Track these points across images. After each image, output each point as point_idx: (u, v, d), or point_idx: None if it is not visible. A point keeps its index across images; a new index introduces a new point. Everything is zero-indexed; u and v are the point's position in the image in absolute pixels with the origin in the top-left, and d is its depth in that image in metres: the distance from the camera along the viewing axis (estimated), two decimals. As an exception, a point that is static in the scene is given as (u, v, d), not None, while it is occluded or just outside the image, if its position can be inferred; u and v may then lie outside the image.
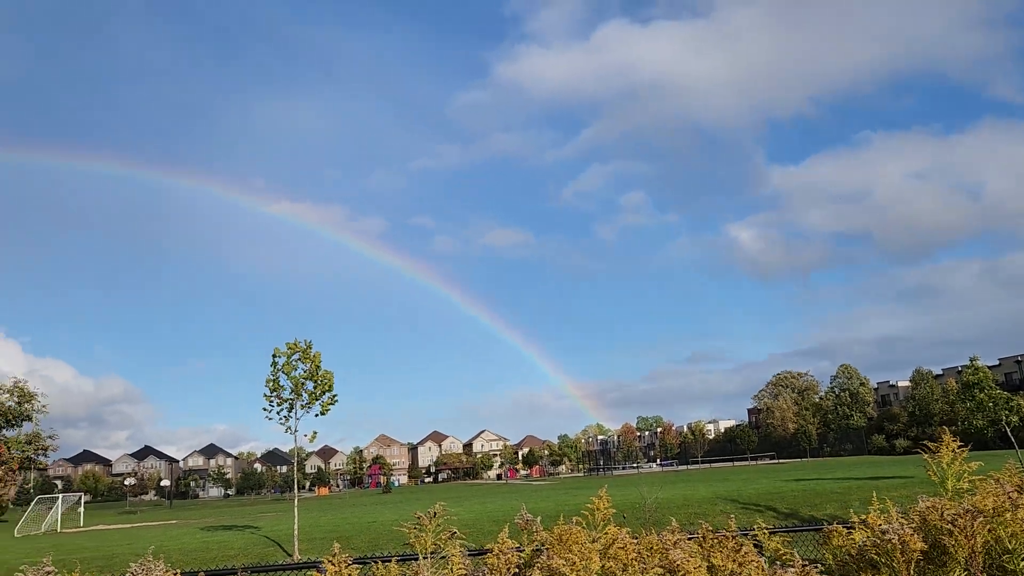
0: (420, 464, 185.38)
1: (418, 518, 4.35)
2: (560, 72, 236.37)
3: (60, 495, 68.12)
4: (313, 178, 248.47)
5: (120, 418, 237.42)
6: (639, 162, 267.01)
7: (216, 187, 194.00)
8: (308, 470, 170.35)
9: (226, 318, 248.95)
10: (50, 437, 16.96)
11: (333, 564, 3.81)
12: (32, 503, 64.04)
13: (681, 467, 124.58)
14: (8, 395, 15.80)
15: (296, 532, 27.56)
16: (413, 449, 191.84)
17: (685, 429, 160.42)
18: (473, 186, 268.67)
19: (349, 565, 3.82)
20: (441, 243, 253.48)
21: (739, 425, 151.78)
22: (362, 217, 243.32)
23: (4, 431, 16.05)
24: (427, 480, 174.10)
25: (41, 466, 21.41)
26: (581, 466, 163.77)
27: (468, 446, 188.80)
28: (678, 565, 4.42)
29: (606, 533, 4.63)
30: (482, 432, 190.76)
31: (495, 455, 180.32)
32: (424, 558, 4.20)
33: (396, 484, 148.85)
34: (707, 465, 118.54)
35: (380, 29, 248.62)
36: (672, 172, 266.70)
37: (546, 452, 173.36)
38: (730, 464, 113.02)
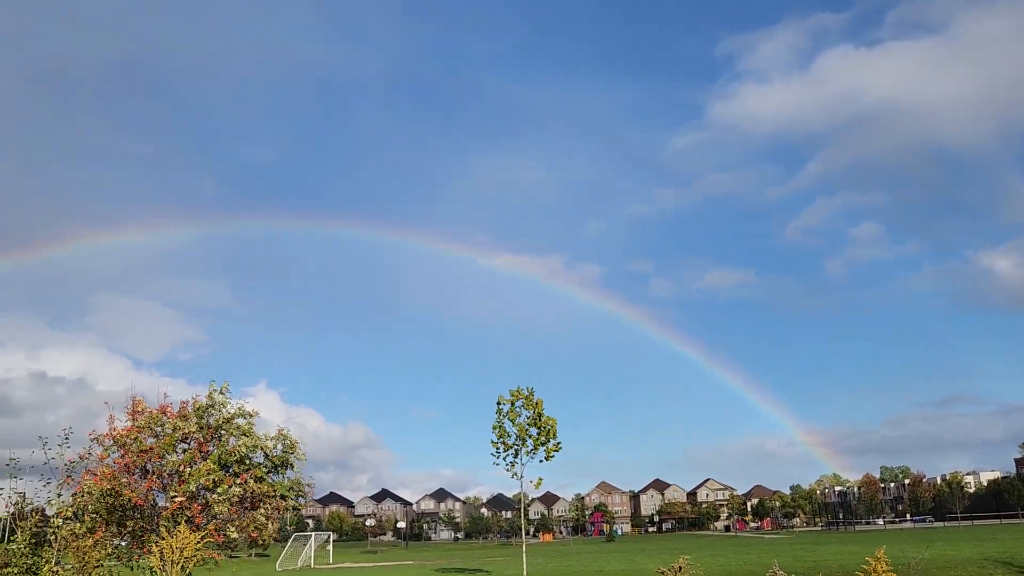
0: (642, 512, 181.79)
1: (661, 573, 4.32)
2: (779, 106, 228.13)
3: (312, 534, 74.26)
4: (532, 230, 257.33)
5: (361, 462, 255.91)
6: (870, 192, 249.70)
7: (444, 244, 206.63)
8: (531, 516, 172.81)
9: (453, 368, 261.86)
10: (308, 485, 18.91)
11: None
12: (290, 540, 70.34)
13: (937, 523, 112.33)
14: (274, 442, 17.83)
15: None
16: (635, 497, 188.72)
17: (939, 481, 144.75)
18: (690, 228, 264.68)
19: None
20: (658, 287, 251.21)
21: (1006, 477, 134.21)
22: (580, 265, 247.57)
23: (272, 476, 18.07)
24: (651, 529, 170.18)
25: (297, 506, 23.82)
26: (817, 519, 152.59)
27: (692, 495, 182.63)
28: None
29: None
30: (706, 481, 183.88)
31: (721, 505, 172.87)
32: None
33: (619, 532, 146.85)
34: (968, 522, 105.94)
35: (591, 81, 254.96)
36: (909, 199, 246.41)
37: (777, 503, 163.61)
38: (997, 521, 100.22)
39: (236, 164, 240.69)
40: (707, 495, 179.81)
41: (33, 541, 10.54)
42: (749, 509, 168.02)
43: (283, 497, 19.02)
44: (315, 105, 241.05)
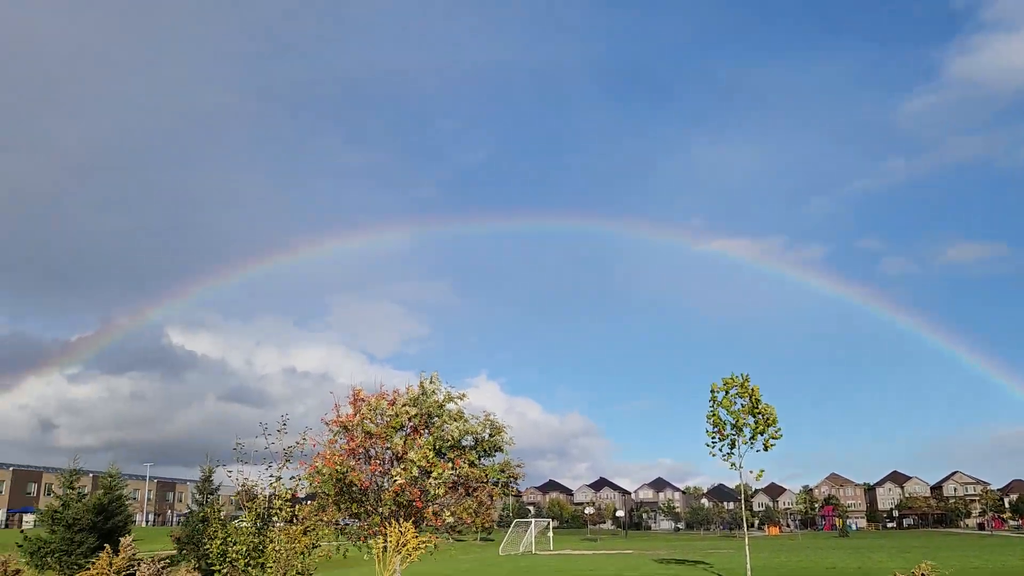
0: (879, 507, 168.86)
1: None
2: None
3: (532, 520, 76.20)
4: (750, 212, 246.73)
5: (580, 451, 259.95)
6: None
7: (658, 231, 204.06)
8: (755, 507, 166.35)
9: (670, 356, 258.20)
10: (518, 466, 19.23)
11: None
12: (511, 526, 72.64)
13: None
14: (481, 427, 18.43)
15: (749, 572, 26.71)
16: (870, 490, 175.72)
17: None
18: (927, 200, 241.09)
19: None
20: (891, 265, 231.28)
21: None
22: (801, 246, 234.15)
23: (483, 460, 18.66)
24: (889, 525, 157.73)
25: (515, 493, 24.56)
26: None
27: (936, 489, 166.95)
28: None
29: None
30: (954, 474, 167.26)
31: (972, 500, 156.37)
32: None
33: (853, 528, 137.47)
34: None
35: (811, 51, 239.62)
36: None
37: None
38: None
39: (453, 168, 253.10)
40: (955, 489, 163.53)
41: (259, 521, 11.47)
42: (1007, 506, 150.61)
43: (496, 482, 19.43)
44: (527, 104, 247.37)
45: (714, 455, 28.15)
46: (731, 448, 27.67)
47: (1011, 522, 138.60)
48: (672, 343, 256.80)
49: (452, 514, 18.56)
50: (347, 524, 18.76)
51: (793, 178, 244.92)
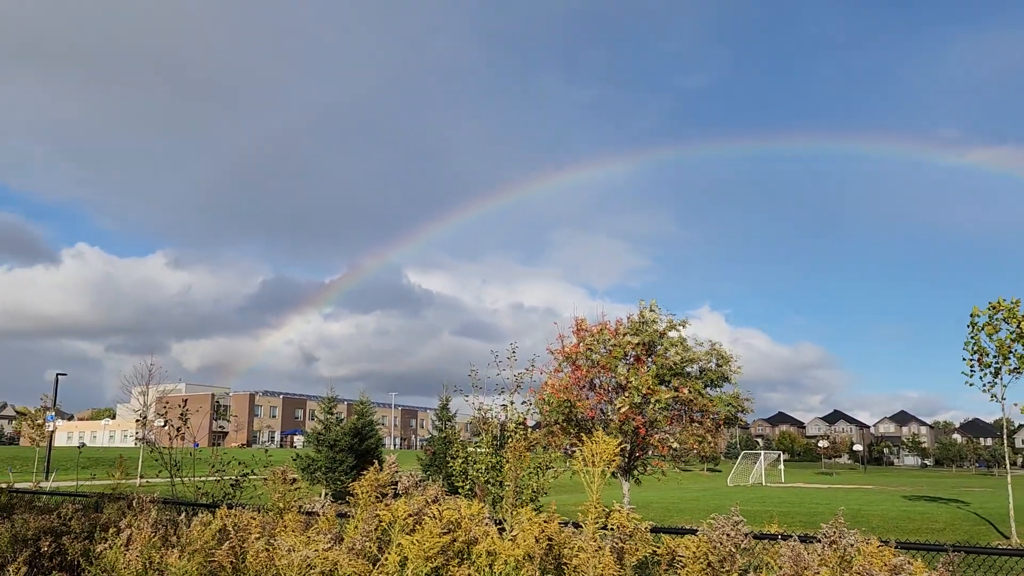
0: None
1: None
2: None
3: (762, 452, 74.49)
4: (1014, 114, 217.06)
5: (814, 383, 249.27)
6: None
7: (899, 145, 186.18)
8: (1018, 444, 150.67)
9: (918, 281, 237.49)
10: (747, 399, 18.69)
11: None
12: (739, 457, 71.50)
13: None
14: (708, 356, 18.01)
15: (1011, 512, 24.37)
16: None
17: None
18: None
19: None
20: None
21: None
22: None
23: (709, 390, 18.31)
24: None
25: (742, 424, 23.94)
26: None
27: None
28: None
29: None
30: None
31: None
32: None
33: None
34: None
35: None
36: None
37: None
38: None
39: (675, 94, 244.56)
40: None
41: (495, 443, 12.25)
42: None
43: (724, 410, 19.13)
44: (752, 17, 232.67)
45: (971, 384, 25.77)
46: (994, 377, 25.15)
47: None
48: (916, 266, 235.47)
49: (677, 440, 18.57)
50: (574, 451, 19.39)
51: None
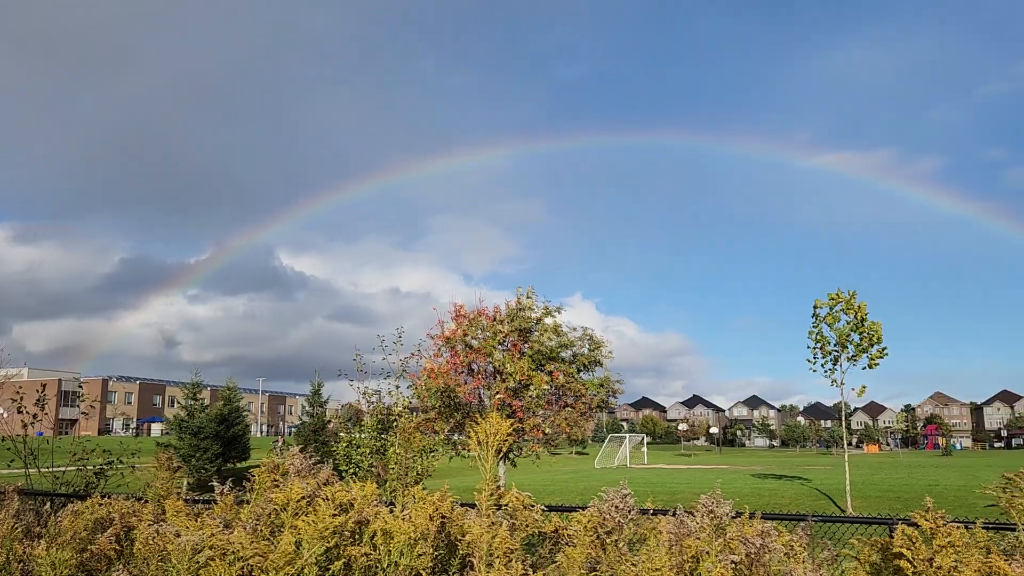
0: (986, 427, 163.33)
1: (1006, 479, 3.64)
2: None
3: (627, 435, 77.41)
4: (860, 124, 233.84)
5: (677, 369, 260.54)
6: None
7: (761, 146, 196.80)
8: (854, 426, 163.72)
9: (770, 274, 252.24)
10: (618, 381, 19.47)
11: (924, 519, 3.39)
12: (606, 440, 74.04)
13: None
14: (581, 342, 18.70)
15: (848, 488, 26.61)
16: (977, 410, 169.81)
17: None
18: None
19: (946, 525, 3.36)
20: (1015, 177, 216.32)
21: None
22: (915, 159, 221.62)
23: (582, 374, 19.00)
24: (997, 445, 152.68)
25: (611, 407, 24.93)
26: None
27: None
28: None
29: None
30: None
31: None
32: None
33: (957, 447, 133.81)
34: None
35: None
36: None
37: None
38: None
39: (554, 84, 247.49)
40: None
41: (379, 427, 12.30)
42: None
43: (595, 396, 19.84)
44: (632, 16, 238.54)
45: (814, 371, 27.86)
46: (833, 364, 27.24)
47: None
48: (772, 261, 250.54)
49: (550, 425, 19.13)
50: (451, 437, 19.62)
51: (910, 84, 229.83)
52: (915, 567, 3.29)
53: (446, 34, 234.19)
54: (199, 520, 5.06)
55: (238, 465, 43.72)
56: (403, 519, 4.92)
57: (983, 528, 3.74)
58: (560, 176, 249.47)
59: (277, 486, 5.25)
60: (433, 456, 11.42)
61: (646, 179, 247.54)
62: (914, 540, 3.39)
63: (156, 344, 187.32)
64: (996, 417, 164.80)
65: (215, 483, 5.61)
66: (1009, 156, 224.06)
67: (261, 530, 5.00)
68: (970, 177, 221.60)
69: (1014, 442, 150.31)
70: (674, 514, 4.27)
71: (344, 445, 12.39)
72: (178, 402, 50.39)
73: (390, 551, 4.82)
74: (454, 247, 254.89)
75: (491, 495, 4.70)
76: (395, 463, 10.41)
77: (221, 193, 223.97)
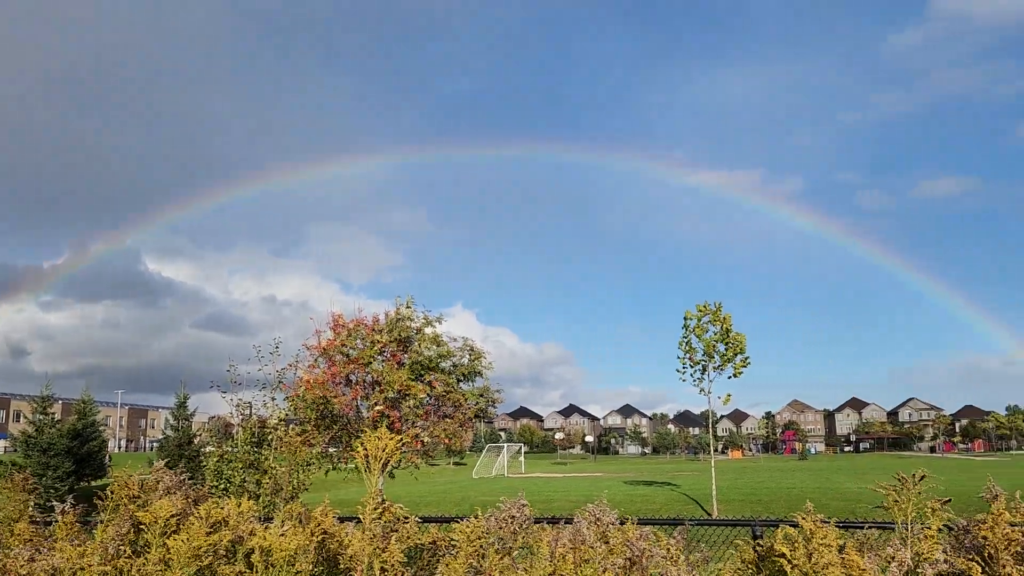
0: (838, 432, 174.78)
1: (900, 479, 3.93)
2: None
3: (505, 444, 77.92)
4: (732, 144, 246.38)
5: (555, 379, 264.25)
6: None
7: (640, 163, 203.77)
8: (720, 433, 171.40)
9: (645, 286, 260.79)
10: (497, 391, 19.60)
11: (806, 520, 3.61)
12: (484, 450, 74.25)
13: None
14: (461, 352, 18.71)
15: (715, 492, 27.79)
16: (829, 416, 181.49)
17: None
18: (907, 134, 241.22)
19: (822, 526, 3.58)
20: (867, 198, 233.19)
21: None
22: (780, 178, 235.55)
23: (461, 384, 18.99)
24: (846, 449, 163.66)
25: (489, 417, 25.08)
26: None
27: (893, 415, 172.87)
28: None
29: None
30: (909, 400, 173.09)
31: (926, 425, 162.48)
32: (903, 525, 3.75)
33: (812, 451, 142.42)
34: None
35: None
36: None
37: (991, 424, 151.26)
38: None
39: (439, 95, 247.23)
40: (910, 415, 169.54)
41: (254, 440, 11.82)
42: (958, 430, 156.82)
43: (476, 406, 19.88)
44: (518, 32, 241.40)
45: (684, 380, 28.88)
46: (702, 374, 28.36)
47: (960, 445, 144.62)
48: (648, 273, 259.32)
49: (429, 435, 19.01)
50: (327, 450, 19.14)
51: (776, 110, 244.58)
52: (792, 563, 3.50)
53: (331, 37, 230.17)
54: (56, 543, 4.73)
55: (93, 483, 41.06)
56: (281, 535, 4.78)
57: (871, 528, 4.01)
58: (443, 187, 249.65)
59: (136, 503, 4.97)
60: (310, 470, 11.11)
61: (528, 192, 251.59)
62: (794, 540, 3.60)
63: (1, 354, 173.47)
64: (846, 423, 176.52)
65: (54, 503, 5.26)
66: (862, 179, 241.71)
67: (123, 550, 4.72)
68: (827, 198, 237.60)
69: (861, 446, 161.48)
70: (567, 522, 4.34)
71: (215, 460, 11.84)
72: (25, 416, 46.72)
73: (269, 569, 4.66)
74: (334, 255, 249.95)
75: (375, 507, 4.63)
76: (270, 477, 10.13)
77: (81, 193, 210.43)
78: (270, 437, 11.46)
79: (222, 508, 5.02)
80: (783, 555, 3.55)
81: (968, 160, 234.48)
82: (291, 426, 15.26)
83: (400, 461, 19.61)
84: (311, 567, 4.68)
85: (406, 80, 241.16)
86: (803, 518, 3.65)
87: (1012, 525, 3.56)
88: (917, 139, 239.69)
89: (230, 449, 11.99)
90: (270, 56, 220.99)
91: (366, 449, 5.03)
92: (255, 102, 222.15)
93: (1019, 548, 3.46)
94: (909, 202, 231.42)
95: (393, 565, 4.32)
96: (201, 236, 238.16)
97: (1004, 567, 3.46)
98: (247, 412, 12.83)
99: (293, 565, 4.53)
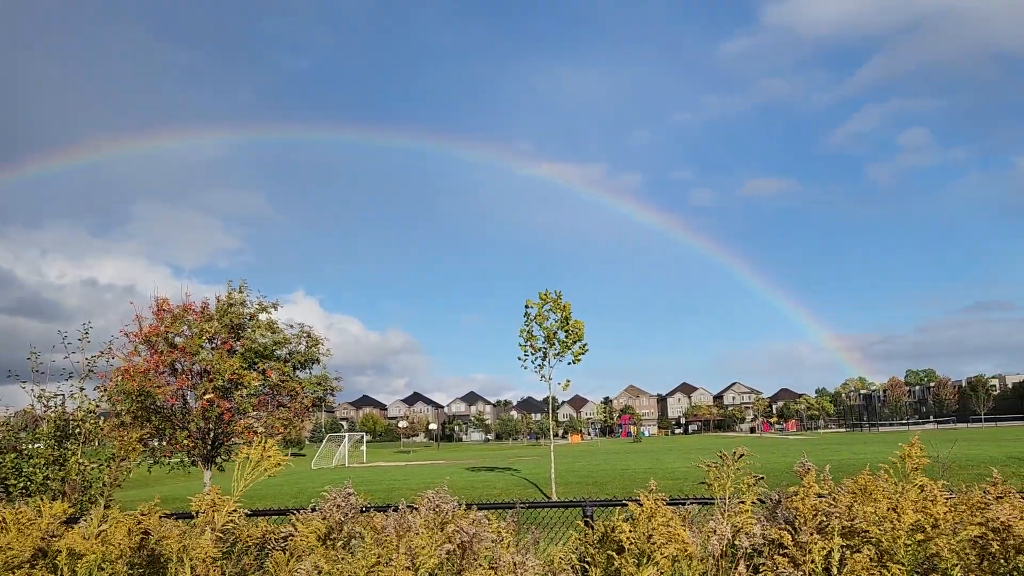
0: (669, 415, 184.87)
1: (721, 457, 4.08)
2: (836, 9, 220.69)
3: (346, 434, 76.50)
4: (575, 138, 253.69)
5: (399, 367, 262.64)
6: (921, 98, 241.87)
7: (485, 152, 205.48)
8: (560, 418, 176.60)
9: (490, 275, 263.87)
10: (336, 379, 19.04)
11: (647, 499, 3.66)
12: (324, 440, 72.56)
13: (960, 424, 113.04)
14: (298, 339, 18.02)
15: (553, 476, 28.51)
16: (662, 400, 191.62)
17: (964, 384, 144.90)
18: (734, 136, 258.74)
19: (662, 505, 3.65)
20: (699, 195, 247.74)
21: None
22: (620, 174, 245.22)
23: (298, 372, 18.30)
24: (677, 431, 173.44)
25: (329, 406, 24.45)
26: (841, 421, 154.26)
27: (718, 398, 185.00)
28: (1004, 523, 3.73)
29: (916, 484, 4.04)
30: (733, 384, 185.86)
31: (747, 407, 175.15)
32: (722, 500, 3.89)
33: (646, 434, 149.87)
34: (992, 424, 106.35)
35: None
36: (960, 105, 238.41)
37: (802, 406, 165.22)
38: (1022, 423, 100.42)
39: (278, 73, 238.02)
40: (733, 398, 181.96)
41: (58, 434, 10.78)
42: (775, 412, 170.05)
43: (312, 395, 19.26)
44: (361, 13, 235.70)
45: (526, 367, 29.39)
46: (543, 360, 28.94)
47: (776, 425, 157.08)
48: (495, 262, 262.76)
49: (264, 425, 18.22)
50: (149, 443, 17.88)
51: (618, 107, 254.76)
52: (631, 537, 3.57)
53: (164, 6, 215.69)
54: None
55: None
56: (94, 537, 4.34)
57: (692, 503, 4.12)
58: (283, 169, 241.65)
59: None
60: (124, 465, 10.29)
61: (373, 177, 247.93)
62: (636, 516, 3.67)
63: None
64: (677, 406, 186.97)
65: None
66: (695, 176, 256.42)
67: None
68: (663, 193, 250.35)
69: (690, 428, 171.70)
70: (395, 510, 4.21)
71: (13, 457, 10.67)
72: None
73: (75, 574, 4.21)
74: (162, 237, 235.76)
75: (207, 507, 4.29)
76: (77, 474, 9.27)
77: None
78: (76, 431, 10.50)
79: (34, 511, 4.53)
80: (623, 530, 3.62)
81: (786, 162, 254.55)
82: (103, 419, 14.10)
83: (230, 453, 18.60)
84: (127, 569, 4.28)
85: (243, 55, 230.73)
86: (646, 496, 3.72)
87: (820, 496, 3.77)
88: (744, 141, 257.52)
89: (31, 445, 10.87)
90: (98, 22, 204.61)
91: (248, 456, 4.71)
92: (77, 67, 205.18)
93: (824, 517, 3.67)
94: (735, 199, 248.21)
95: (204, 560, 4.01)
96: (8, 212, 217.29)
97: (811, 534, 3.67)
98: (52, 404, 11.69)
99: (105, 570, 4.12)
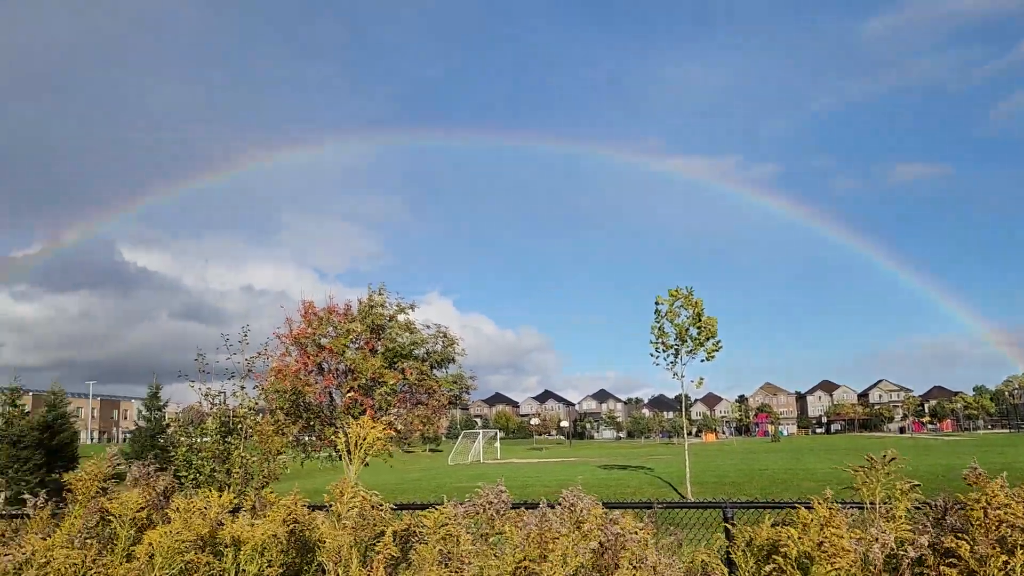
0: (809, 414, 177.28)
1: (870, 460, 3.95)
2: None
3: (481, 431, 78.07)
4: (707, 131, 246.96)
5: (531, 365, 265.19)
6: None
7: (615, 150, 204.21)
8: (693, 416, 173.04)
9: (621, 272, 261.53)
10: (471, 378, 19.67)
11: (821, 506, 3.62)
12: (460, 437, 74.35)
13: None
14: (434, 339, 18.72)
15: (688, 475, 28.04)
16: (801, 398, 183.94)
17: None
18: (881, 121, 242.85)
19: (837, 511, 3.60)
20: (841, 184, 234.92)
21: None
22: (755, 165, 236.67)
23: (435, 371, 19.02)
24: (818, 431, 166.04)
25: (464, 404, 25.08)
26: (1004, 422, 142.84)
27: (863, 396, 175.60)
28: None
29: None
30: (879, 382, 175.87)
31: (896, 406, 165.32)
32: (872, 506, 3.77)
33: (784, 433, 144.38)
34: None
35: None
36: None
37: (959, 405, 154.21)
38: None
39: (409, 82, 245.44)
40: (880, 396, 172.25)
41: (223, 430, 11.72)
42: (927, 411, 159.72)
43: (448, 391, 19.83)
44: (484, 22, 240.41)
45: (657, 364, 29.04)
46: (674, 358, 28.52)
47: (929, 426, 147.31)
48: (625, 259, 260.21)
49: (403, 422, 18.95)
50: (301, 439, 19.02)
51: (752, 97, 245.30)
52: (799, 547, 3.48)
53: (298, 23, 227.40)
54: (27, 537, 4.63)
55: (65, 476, 40.48)
56: (252, 525, 4.72)
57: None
58: (418, 174, 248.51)
59: (105, 495, 4.89)
60: (281, 459, 11.04)
61: (505, 179, 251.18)
62: (807, 523, 3.57)
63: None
64: (818, 405, 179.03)
65: (26, 495, 5.16)
66: (837, 165, 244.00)
67: (91, 543, 4.64)
68: (802, 183, 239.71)
69: (832, 427, 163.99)
70: (550, 507, 4.35)
71: (184, 450, 11.72)
72: (-7, 409, 45.85)
73: (237, 559, 4.61)
74: (310, 244, 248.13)
75: (352, 496, 4.59)
76: (239, 467, 10.05)
77: (55, 182, 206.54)
78: (240, 426, 11.37)
79: (196, 500, 4.97)
80: (788, 539, 3.53)
81: (940, 147, 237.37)
82: (262, 415, 15.15)
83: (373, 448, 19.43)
84: (282, 556, 4.64)
85: (376, 67, 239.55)
86: (819, 503, 3.65)
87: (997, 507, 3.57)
88: (891, 126, 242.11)
89: (199, 440, 11.89)
90: (241, 46, 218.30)
91: (347, 437, 4.99)
92: (228, 91, 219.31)
93: (1008, 529, 3.48)
94: (882, 188, 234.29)
95: (342, 548, 4.28)
96: (178, 226, 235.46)
97: (992, 547, 3.49)
98: (217, 401, 12.72)
99: (266, 553, 4.49)
